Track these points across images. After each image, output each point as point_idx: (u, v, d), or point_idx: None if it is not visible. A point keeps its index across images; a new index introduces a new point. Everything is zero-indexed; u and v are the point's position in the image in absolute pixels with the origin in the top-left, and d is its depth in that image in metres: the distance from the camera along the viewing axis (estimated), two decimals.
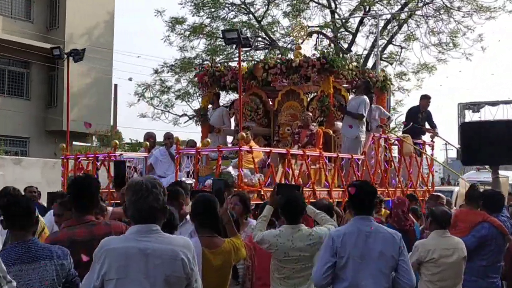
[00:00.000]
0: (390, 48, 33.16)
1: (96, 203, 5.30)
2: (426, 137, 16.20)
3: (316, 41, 31.40)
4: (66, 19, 31.12)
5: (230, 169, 11.22)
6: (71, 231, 5.03)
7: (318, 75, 13.43)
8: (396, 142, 15.00)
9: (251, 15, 32.37)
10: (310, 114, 13.56)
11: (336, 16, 32.47)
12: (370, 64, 30.77)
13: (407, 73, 32.78)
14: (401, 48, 32.98)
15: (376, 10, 32.01)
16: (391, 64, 33.13)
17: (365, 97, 13.53)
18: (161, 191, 4.13)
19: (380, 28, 30.06)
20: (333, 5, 32.42)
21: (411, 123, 15.61)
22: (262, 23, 32.10)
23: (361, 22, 32.36)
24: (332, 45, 31.80)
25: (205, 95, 14.93)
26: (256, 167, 11.27)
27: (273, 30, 32.15)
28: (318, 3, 32.85)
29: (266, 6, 32.14)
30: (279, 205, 6.58)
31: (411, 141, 14.94)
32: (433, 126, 16.04)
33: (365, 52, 32.42)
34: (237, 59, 14.66)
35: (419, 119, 15.79)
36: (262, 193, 10.88)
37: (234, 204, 7.48)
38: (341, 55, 24.57)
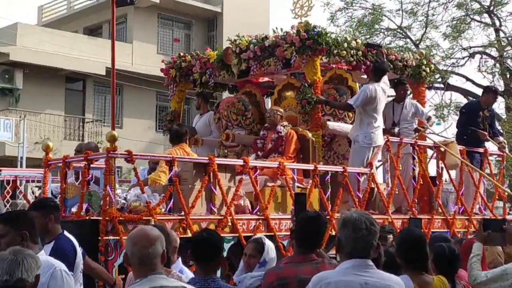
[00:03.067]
0: None
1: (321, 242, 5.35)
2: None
3: (480, 62, 29.66)
4: None
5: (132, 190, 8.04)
6: (298, 268, 4.90)
7: (298, 56, 9.74)
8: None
9: (408, 39, 30.65)
10: (280, 110, 9.94)
11: (502, 34, 29.93)
12: None
13: None
14: None
15: None
16: None
17: (370, 85, 9.78)
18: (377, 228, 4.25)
19: None
20: (497, 23, 29.93)
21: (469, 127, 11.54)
22: (419, 46, 29.58)
23: None
24: (498, 65, 28.97)
25: (174, 95, 11.57)
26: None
27: (432, 54, 28.85)
28: (481, 22, 30.42)
29: (424, 29, 30.25)
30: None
31: (456, 149, 10.87)
32: (496, 133, 11.83)
33: None
34: None
35: (480, 119, 11.62)
36: (154, 221, 7.45)
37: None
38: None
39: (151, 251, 3.78)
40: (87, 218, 7.57)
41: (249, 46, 10.30)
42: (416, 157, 10.69)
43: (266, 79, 11.89)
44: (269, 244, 5.94)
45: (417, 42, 30.06)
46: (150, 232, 3.90)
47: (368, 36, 28.91)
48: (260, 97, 11.66)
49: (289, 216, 8.91)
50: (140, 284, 3.74)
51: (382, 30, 30.78)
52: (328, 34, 9.96)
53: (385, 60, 10.30)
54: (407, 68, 11.18)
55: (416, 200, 10.63)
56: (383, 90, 10.01)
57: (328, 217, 9.10)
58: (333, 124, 10.33)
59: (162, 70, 11.57)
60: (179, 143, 8.85)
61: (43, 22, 34.75)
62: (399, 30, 30.56)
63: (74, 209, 7.74)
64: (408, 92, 11.45)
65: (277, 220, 8.79)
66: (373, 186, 9.90)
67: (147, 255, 3.78)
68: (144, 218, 7.55)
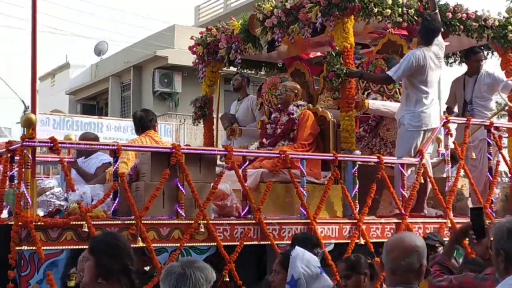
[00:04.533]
0: None
1: None
2: None
3: None
4: None
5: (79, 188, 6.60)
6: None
7: (326, 20, 7.85)
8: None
9: None
10: (295, 87, 8.10)
11: None
12: None
13: None
14: None
15: None
16: None
17: (417, 50, 7.78)
18: None
19: None
20: None
21: None
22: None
23: None
24: None
25: (205, 77, 9.93)
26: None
27: None
28: None
29: None
30: None
31: None
32: None
33: None
34: None
35: None
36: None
37: None
38: None
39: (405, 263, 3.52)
40: (6, 223, 6.19)
41: (273, 11, 8.49)
42: (492, 142, 8.44)
43: (318, 53, 10.03)
44: (300, 256, 4.50)
45: None
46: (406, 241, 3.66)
47: None
48: (309, 76, 9.78)
49: (295, 220, 7.11)
50: None
51: None
52: None
53: (437, 15, 8.10)
54: (486, 30, 8.87)
55: (493, 200, 8.41)
56: (437, 56, 7.91)
57: (355, 221, 7.22)
58: (375, 103, 8.33)
59: (189, 48, 9.94)
60: (144, 130, 7.33)
61: (200, 22, 34.15)
62: None
63: None
64: (483, 62, 9.14)
65: (276, 226, 6.98)
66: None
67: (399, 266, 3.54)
68: (73, 222, 6.02)
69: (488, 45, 9.27)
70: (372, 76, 8.48)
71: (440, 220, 7.97)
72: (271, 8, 8.54)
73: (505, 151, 8.84)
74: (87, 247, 5.65)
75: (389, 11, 8.05)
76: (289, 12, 8.29)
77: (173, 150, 6.52)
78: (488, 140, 8.47)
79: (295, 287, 4.48)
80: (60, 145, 6.09)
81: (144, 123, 7.42)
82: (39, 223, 5.89)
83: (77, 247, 6.00)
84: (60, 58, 61.04)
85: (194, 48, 9.78)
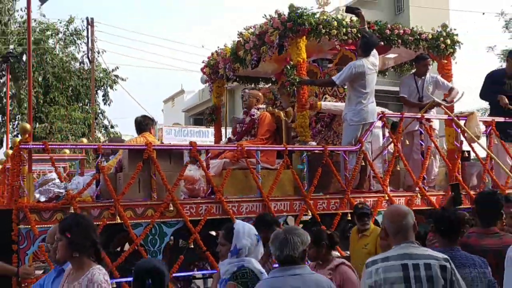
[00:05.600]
0: None
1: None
2: None
3: None
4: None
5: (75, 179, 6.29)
6: (481, 239, 4.21)
7: (285, 40, 7.31)
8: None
9: None
10: (256, 93, 7.57)
11: None
12: None
13: None
14: None
15: None
16: None
17: (357, 61, 7.16)
18: None
19: None
20: None
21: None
22: None
23: None
24: None
25: (212, 91, 9.50)
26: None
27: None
28: None
29: None
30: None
31: (476, 120, 7.73)
32: None
33: None
34: None
35: (507, 87, 8.29)
36: (73, 209, 5.65)
37: None
38: None
39: (404, 223, 3.43)
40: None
41: (250, 37, 7.99)
42: (423, 132, 7.67)
43: None
44: (241, 229, 4.03)
45: None
46: (400, 208, 3.64)
47: None
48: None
49: (252, 198, 6.59)
50: (396, 250, 3.37)
51: None
52: (312, 14, 7.35)
53: (368, 30, 7.42)
54: (421, 42, 8.10)
55: (425, 176, 7.64)
56: (373, 65, 7.24)
57: (301, 197, 6.65)
58: (326, 104, 7.75)
59: (201, 69, 9.51)
60: (141, 132, 6.92)
61: None
62: None
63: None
64: (430, 67, 8.33)
65: (235, 203, 6.47)
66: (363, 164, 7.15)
67: (401, 227, 3.43)
68: (61, 206, 5.70)
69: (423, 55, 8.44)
70: (320, 81, 7.91)
71: (378, 194, 7.28)
72: (249, 34, 8.05)
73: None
74: None
75: (335, 31, 7.44)
76: (259, 37, 7.78)
77: (145, 147, 6.12)
78: (420, 129, 7.71)
79: (237, 254, 3.99)
80: (50, 146, 5.77)
81: (141, 126, 7.03)
82: (33, 207, 5.62)
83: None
84: (177, 86, 62.54)
85: (204, 69, 9.35)
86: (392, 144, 7.50)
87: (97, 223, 5.64)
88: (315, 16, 7.37)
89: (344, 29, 7.51)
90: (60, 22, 23.74)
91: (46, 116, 22.44)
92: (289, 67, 7.32)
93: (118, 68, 24.30)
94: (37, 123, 22.12)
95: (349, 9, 7.62)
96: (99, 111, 23.59)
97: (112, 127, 23.75)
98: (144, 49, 62.86)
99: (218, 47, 9.02)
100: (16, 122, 22.12)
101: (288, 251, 3.47)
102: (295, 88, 7.25)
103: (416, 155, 7.90)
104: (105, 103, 23.77)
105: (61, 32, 23.78)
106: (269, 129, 7.28)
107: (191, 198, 6.46)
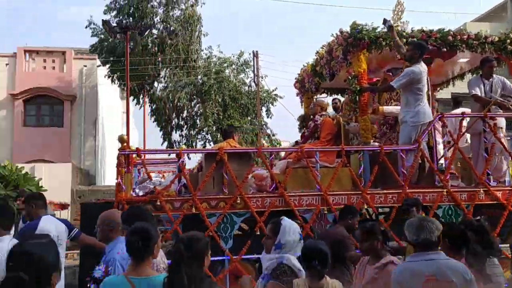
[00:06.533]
0: None
1: None
2: None
3: None
4: None
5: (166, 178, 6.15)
6: None
7: (349, 54, 6.45)
8: None
9: None
10: (321, 102, 6.69)
11: None
12: None
13: None
14: None
15: None
16: None
17: (414, 67, 6.02)
18: None
19: None
20: None
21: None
22: None
23: None
24: None
25: (303, 102, 8.76)
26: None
27: None
28: None
29: None
30: None
31: None
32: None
33: None
34: None
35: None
36: (159, 202, 5.49)
37: None
38: None
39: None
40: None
41: (323, 54, 7.18)
42: (487, 130, 6.19)
43: (377, 78, 8.31)
44: (287, 226, 3.49)
45: None
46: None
47: None
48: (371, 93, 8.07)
49: (311, 192, 5.83)
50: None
51: None
52: (373, 29, 6.35)
53: (397, 39, 6.16)
54: (487, 45, 6.58)
55: (489, 172, 6.16)
56: (425, 70, 6.03)
57: (360, 192, 5.75)
58: (388, 108, 6.64)
59: (293, 84, 8.81)
60: (226, 138, 6.50)
61: None
62: None
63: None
64: (495, 68, 6.74)
65: (297, 197, 5.76)
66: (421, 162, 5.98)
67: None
68: (150, 199, 5.53)
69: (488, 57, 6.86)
70: (379, 87, 6.79)
71: (437, 190, 6.01)
72: (323, 52, 7.24)
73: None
74: (161, 213, 5.18)
75: (384, 43, 6.34)
76: (329, 53, 6.94)
77: (218, 151, 5.70)
78: (484, 128, 6.23)
79: (280, 249, 3.43)
80: (141, 152, 5.63)
81: (226, 134, 6.65)
82: (129, 200, 5.51)
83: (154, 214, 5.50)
84: None
85: (295, 84, 8.68)
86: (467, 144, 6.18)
87: (178, 213, 5.39)
88: (376, 31, 6.36)
89: (405, 40, 6.38)
90: (233, 56, 24.53)
91: None
92: (350, 78, 6.40)
93: (277, 88, 24.33)
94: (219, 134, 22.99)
95: (384, 22, 6.39)
96: (263, 123, 23.87)
97: (273, 135, 23.91)
98: (295, 71, 62.75)
99: (303, 64, 8.32)
100: (203, 133, 23.27)
101: (425, 235, 3.01)
102: (357, 96, 6.31)
103: (485, 152, 6.43)
104: (267, 116, 24.03)
105: (234, 64, 24.51)
106: (330, 132, 6.44)
107: (258, 193, 5.90)
